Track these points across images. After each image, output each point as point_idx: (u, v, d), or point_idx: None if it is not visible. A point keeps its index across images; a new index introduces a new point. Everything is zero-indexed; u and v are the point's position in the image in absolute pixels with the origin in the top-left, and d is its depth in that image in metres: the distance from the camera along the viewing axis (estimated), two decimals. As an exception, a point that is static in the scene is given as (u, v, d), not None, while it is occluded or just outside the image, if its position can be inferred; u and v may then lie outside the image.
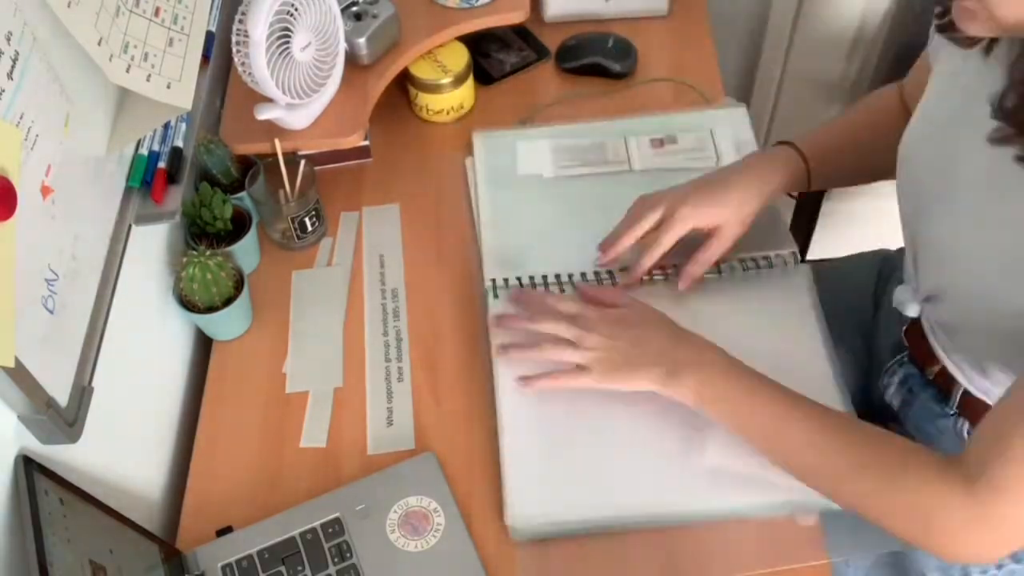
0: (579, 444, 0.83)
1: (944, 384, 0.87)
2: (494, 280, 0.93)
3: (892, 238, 1.06)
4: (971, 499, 0.65)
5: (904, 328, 0.92)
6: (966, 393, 0.84)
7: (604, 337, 0.82)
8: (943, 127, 0.78)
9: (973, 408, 0.84)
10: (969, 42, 0.73)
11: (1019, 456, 0.63)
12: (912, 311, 0.87)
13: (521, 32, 1.21)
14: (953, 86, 0.78)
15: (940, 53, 0.81)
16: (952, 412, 0.86)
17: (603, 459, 0.82)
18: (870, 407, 0.98)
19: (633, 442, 0.83)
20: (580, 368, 0.82)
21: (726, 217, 0.88)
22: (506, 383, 0.87)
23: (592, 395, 0.84)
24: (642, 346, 0.81)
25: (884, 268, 1.07)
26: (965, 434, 0.86)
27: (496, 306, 0.92)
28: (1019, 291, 0.69)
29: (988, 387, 0.82)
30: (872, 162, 0.95)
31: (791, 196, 0.97)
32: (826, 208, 1.60)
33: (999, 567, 0.88)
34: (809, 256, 1.45)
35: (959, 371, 0.85)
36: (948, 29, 0.73)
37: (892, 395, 0.95)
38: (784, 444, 0.76)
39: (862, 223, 1.57)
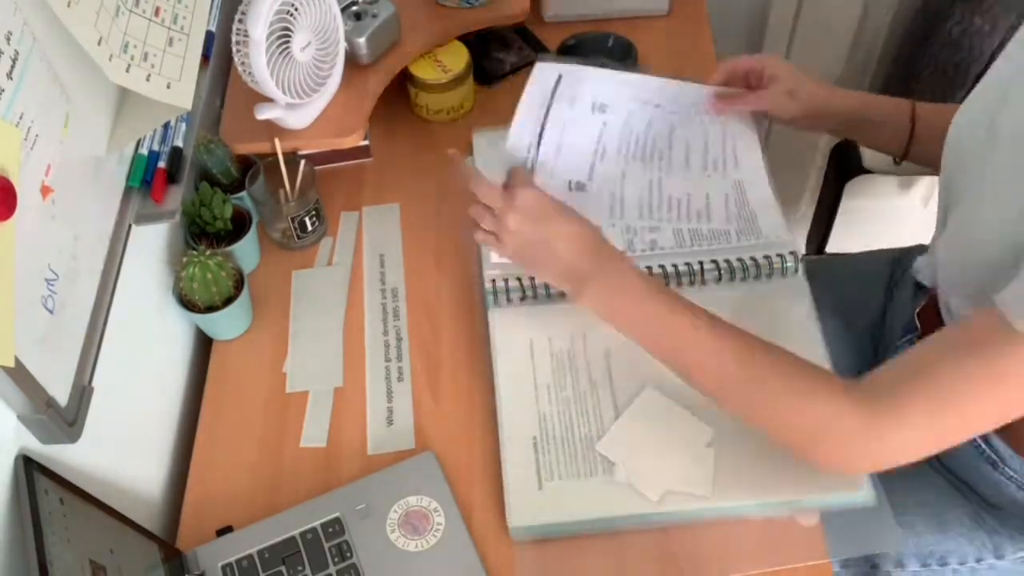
0: (579, 443, 0.83)
1: None
2: (494, 281, 0.93)
3: (910, 238, 1.07)
4: (868, 414, 0.67)
5: (918, 311, 0.92)
6: None
7: (514, 225, 0.82)
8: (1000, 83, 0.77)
9: None
10: None
11: (928, 388, 0.66)
12: (926, 279, 0.87)
13: (521, 31, 1.21)
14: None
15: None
16: None
17: (603, 458, 0.82)
18: None
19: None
20: (496, 239, 0.84)
21: (784, 73, 0.94)
22: (506, 384, 0.87)
23: (592, 395, 0.84)
24: (543, 245, 0.81)
25: (902, 261, 1.07)
26: None
27: (495, 314, 0.92)
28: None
29: None
30: None
31: (895, 162, 0.96)
32: (845, 205, 1.60)
33: (978, 561, 0.88)
34: (827, 251, 1.44)
35: None
36: None
37: None
38: (681, 363, 0.77)
39: (881, 221, 1.57)
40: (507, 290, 0.92)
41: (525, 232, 0.82)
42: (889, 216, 1.63)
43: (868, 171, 1.27)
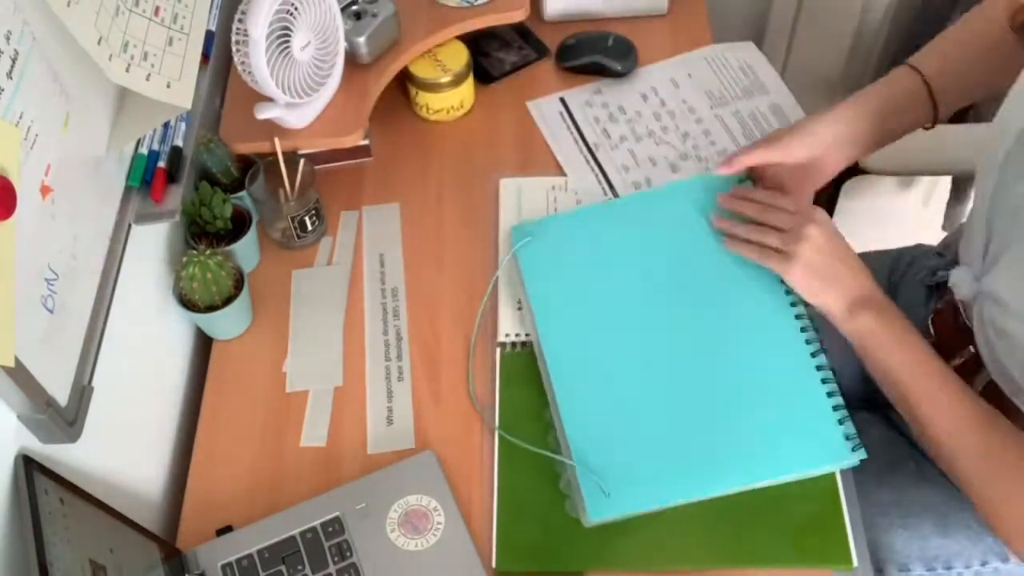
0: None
1: (968, 374, 0.87)
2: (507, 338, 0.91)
3: (905, 237, 1.06)
4: None
5: (932, 315, 0.92)
6: (989, 385, 0.84)
7: (817, 241, 0.83)
8: None
9: (993, 400, 0.84)
10: None
11: None
12: (967, 292, 0.85)
13: (521, 31, 1.21)
14: None
15: None
16: None
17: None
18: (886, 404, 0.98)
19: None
20: (786, 257, 0.83)
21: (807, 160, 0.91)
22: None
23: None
24: (842, 265, 0.82)
25: (898, 265, 1.07)
26: None
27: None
28: None
29: (1013, 376, 0.82)
30: (986, 79, 0.92)
31: (925, 128, 0.94)
32: (844, 205, 1.60)
33: (983, 564, 0.88)
34: None
35: (992, 363, 0.83)
36: None
37: None
38: (920, 413, 0.78)
39: (876, 222, 1.57)
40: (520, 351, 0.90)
41: (823, 248, 0.82)
42: (888, 216, 1.63)
43: (864, 171, 1.26)
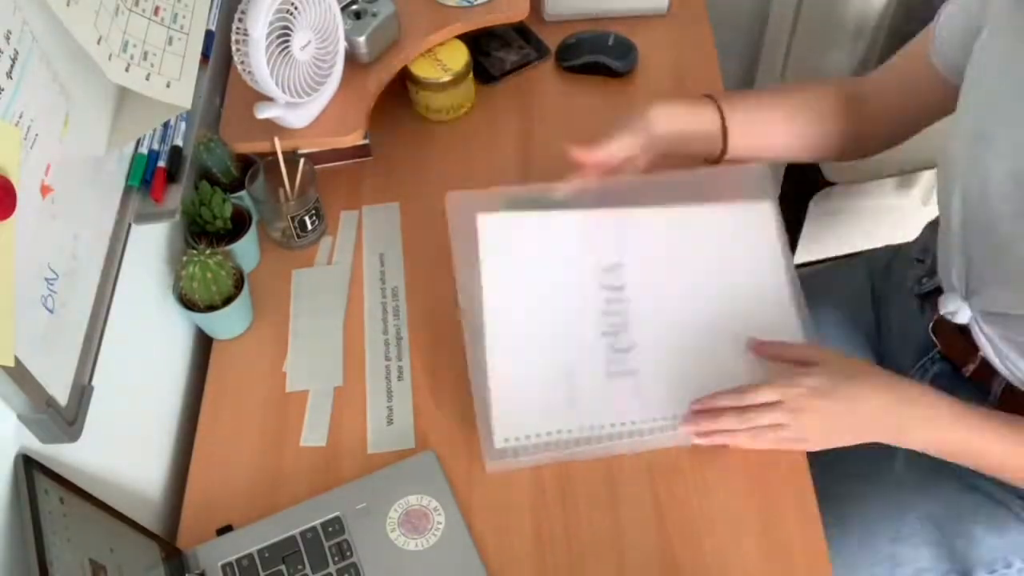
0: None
1: (983, 379, 0.87)
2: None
3: (905, 237, 1.06)
4: None
5: (931, 325, 0.92)
6: (1008, 387, 0.84)
7: (817, 408, 0.77)
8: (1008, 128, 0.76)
9: (1014, 400, 0.84)
10: None
11: None
12: (963, 318, 0.86)
13: (521, 30, 1.21)
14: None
15: (995, 35, 0.78)
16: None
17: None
18: None
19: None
20: (796, 433, 0.78)
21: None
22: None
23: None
24: (859, 407, 0.77)
25: (878, 267, 1.06)
26: None
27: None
28: None
29: None
30: (790, 139, 0.95)
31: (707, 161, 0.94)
32: (841, 206, 1.60)
33: (1008, 566, 0.88)
34: (796, 260, 1.44)
35: (1006, 368, 0.84)
36: None
37: None
38: (1006, 464, 0.78)
39: (876, 221, 1.57)
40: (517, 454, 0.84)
41: (824, 409, 0.76)
42: (889, 216, 1.63)
43: (831, 183, 1.26)
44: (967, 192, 0.80)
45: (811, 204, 1.43)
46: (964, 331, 0.87)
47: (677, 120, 0.91)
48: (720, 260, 0.91)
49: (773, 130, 0.95)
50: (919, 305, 0.96)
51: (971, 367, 0.88)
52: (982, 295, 0.83)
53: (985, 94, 0.78)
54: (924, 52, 0.86)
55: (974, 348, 0.86)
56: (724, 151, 0.93)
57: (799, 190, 1.34)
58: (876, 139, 0.95)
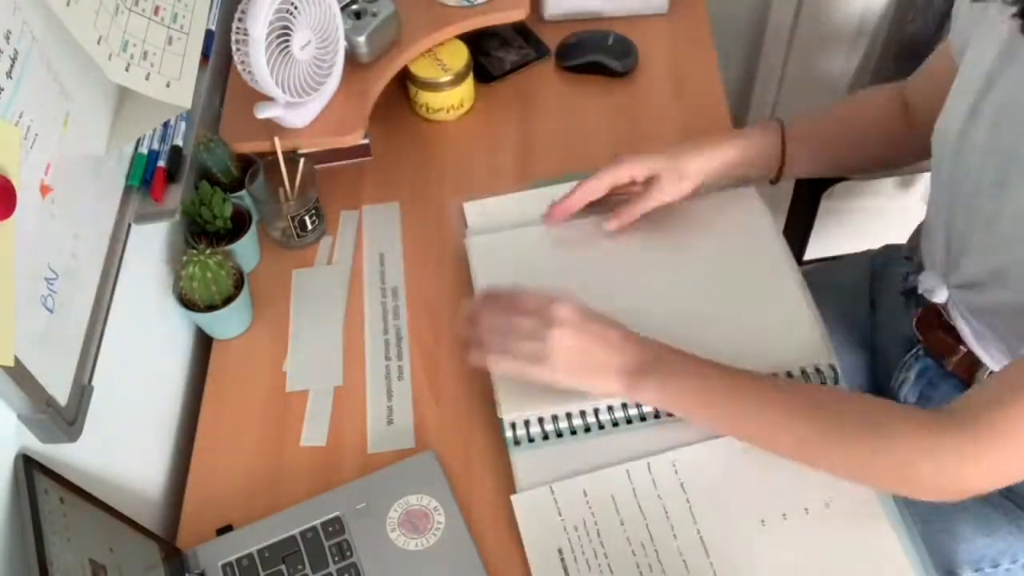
0: None
1: (966, 372, 0.87)
2: (514, 426, 0.84)
3: (906, 236, 1.06)
4: (960, 440, 0.67)
5: (915, 320, 0.92)
6: (991, 376, 0.84)
7: (566, 335, 0.78)
8: (997, 106, 0.76)
9: None
10: None
11: (1021, 415, 0.66)
12: (940, 297, 0.87)
13: (521, 30, 1.21)
14: (1013, 57, 0.75)
15: (974, 41, 0.80)
16: None
17: None
18: None
19: None
20: (542, 362, 0.78)
21: (662, 166, 0.90)
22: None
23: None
24: (601, 349, 0.78)
25: (876, 266, 1.07)
26: None
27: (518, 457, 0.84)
28: None
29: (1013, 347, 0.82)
30: (859, 156, 0.96)
31: (770, 182, 0.96)
32: (841, 205, 1.60)
33: (1015, 561, 0.88)
34: (807, 256, 1.44)
35: (988, 355, 0.84)
36: None
37: (908, 391, 0.94)
38: (754, 427, 0.76)
39: (877, 221, 1.56)
40: (528, 435, 0.84)
41: (574, 340, 0.77)
42: (889, 215, 1.63)
43: (844, 177, 1.26)
44: (953, 166, 0.81)
45: (822, 199, 1.43)
46: (946, 326, 0.88)
47: (715, 176, 0.93)
48: (712, 244, 0.93)
49: (829, 153, 0.96)
50: (904, 303, 0.97)
51: (953, 359, 0.88)
52: (960, 268, 0.83)
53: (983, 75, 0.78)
54: (948, 49, 0.87)
55: (956, 341, 0.87)
56: (780, 174, 0.95)
57: (811, 185, 1.34)
58: (922, 143, 0.93)
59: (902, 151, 0.96)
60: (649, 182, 0.92)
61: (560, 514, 0.80)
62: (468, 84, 1.12)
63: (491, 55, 1.19)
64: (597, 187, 0.93)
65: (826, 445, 0.73)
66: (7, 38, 0.62)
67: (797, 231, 1.41)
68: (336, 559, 0.79)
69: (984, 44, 0.78)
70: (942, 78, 0.85)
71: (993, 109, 0.76)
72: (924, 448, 0.69)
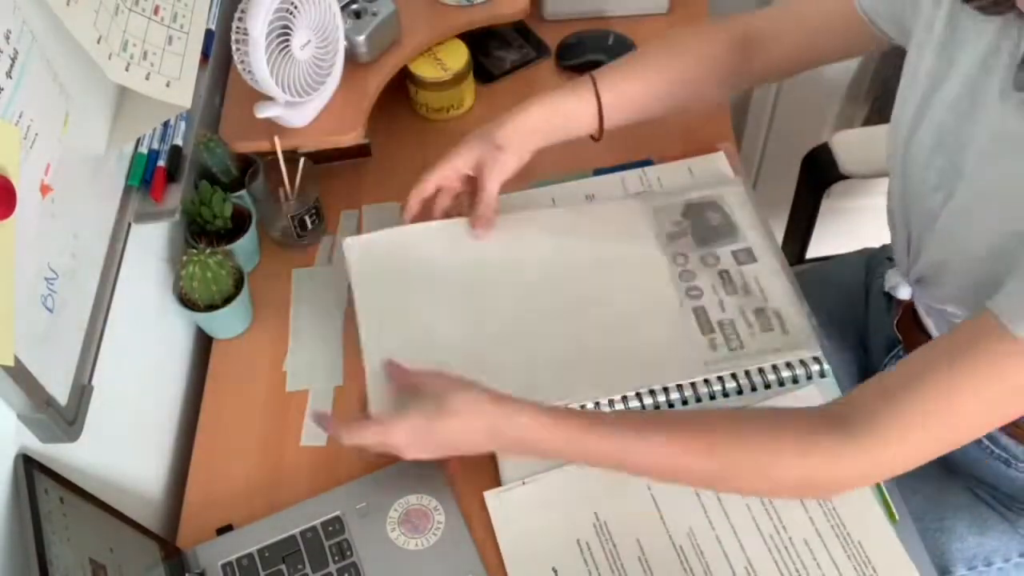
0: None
1: None
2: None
3: (887, 235, 1.06)
4: (841, 440, 0.66)
5: (896, 321, 0.92)
6: None
7: (415, 454, 0.76)
8: (950, 103, 0.76)
9: None
10: (998, 9, 0.70)
11: (916, 398, 0.65)
12: (904, 293, 0.88)
13: (521, 30, 1.21)
14: (951, 59, 0.75)
15: (915, 34, 0.79)
16: None
17: None
18: None
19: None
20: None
21: (477, 149, 0.91)
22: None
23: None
24: (456, 444, 0.75)
25: (871, 265, 1.07)
26: None
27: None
28: (1012, 258, 0.68)
29: None
30: (685, 97, 0.95)
31: (593, 138, 0.95)
32: (842, 205, 1.59)
33: (1021, 556, 0.88)
34: (808, 255, 1.44)
35: None
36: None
37: None
38: (637, 465, 0.73)
39: (877, 220, 1.56)
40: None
41: (421, 450, 0.75)
42: (885, 215, 1.62)
43: (846, 176, 1.26)
44: (905, 164, 0.81)
45: (823, 199, 1.43)
46: (922, 324, 0.88)
47: (534, 136, 0.92)
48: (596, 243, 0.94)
49: (647, 98, 0.95)
50: (887, 301, 0.98)
51: None
52: (918, 264, 0.84)
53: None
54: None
55: (929, 339, 0.87)
56: (601, 131, 0.94)
57: (815, 182, 1.34)
58: (766, 77, 0.97)
59: (736, 84, 0.97)
60: (478, 169, 0.91)
61: (534, 509, 0.80)
62: (468, 84, 1.12)
63: (491, 54, 1.19)
64: (426, 188, 0.92)
65: (716, 481, 0.73)
66: (7, 38, 0.62)
67: (798, 230, 1.41)
68: (336, 559, 0.79)
69: (924, 41, 0.77)
70: (820, 23, 0.87)
71: (937, 109, 0.76)
72: (791, 449, 0.68)
